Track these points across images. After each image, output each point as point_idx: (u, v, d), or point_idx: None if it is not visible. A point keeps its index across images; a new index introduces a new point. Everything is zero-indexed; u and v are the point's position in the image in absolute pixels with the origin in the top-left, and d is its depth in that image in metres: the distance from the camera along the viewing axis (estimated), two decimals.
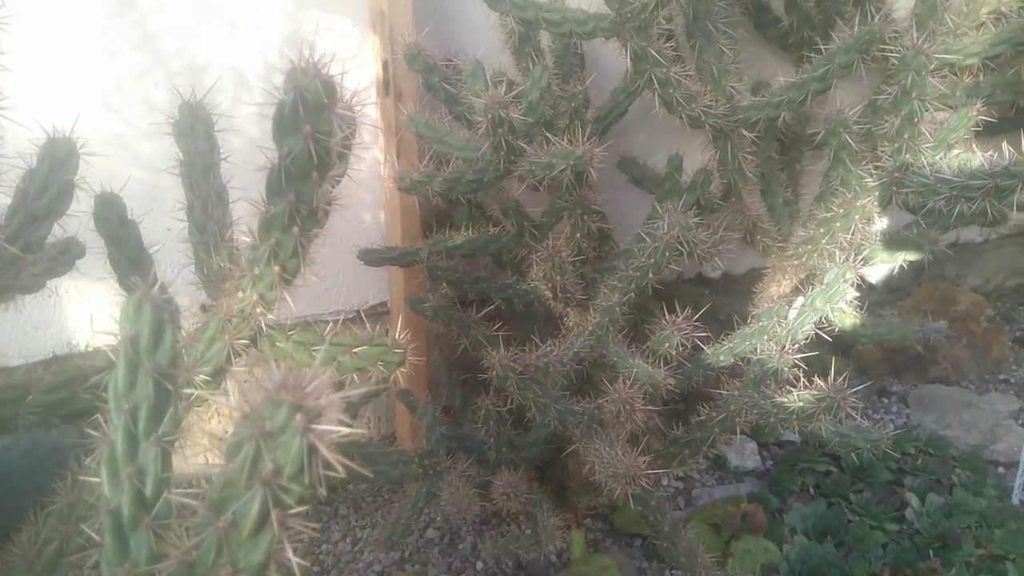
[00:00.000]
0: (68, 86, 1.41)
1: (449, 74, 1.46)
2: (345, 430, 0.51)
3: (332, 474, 0.55)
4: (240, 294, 0.87)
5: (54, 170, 0.90)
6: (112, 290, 1.06)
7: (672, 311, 1.32)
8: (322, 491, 0.54)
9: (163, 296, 0.64)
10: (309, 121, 0.69)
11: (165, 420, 0.62)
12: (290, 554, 0.54)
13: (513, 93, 1.28)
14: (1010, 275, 2.59)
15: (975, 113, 1.32)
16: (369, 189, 1.70)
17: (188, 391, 0.74)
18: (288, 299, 0.89)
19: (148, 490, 0.60)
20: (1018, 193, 1.14)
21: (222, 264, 0.95)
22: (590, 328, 1.37)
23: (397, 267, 1.66)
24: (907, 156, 1.33)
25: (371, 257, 1.52)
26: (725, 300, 1.89)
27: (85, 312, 1.56)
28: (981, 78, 1.52)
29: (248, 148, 1.24)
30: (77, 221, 1.01)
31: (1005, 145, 1.18)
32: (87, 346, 1.58)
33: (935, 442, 1.85)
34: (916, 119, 1.29)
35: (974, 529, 1.57)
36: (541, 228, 1.49)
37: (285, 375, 0.52)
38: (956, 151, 1.37)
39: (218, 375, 0.90)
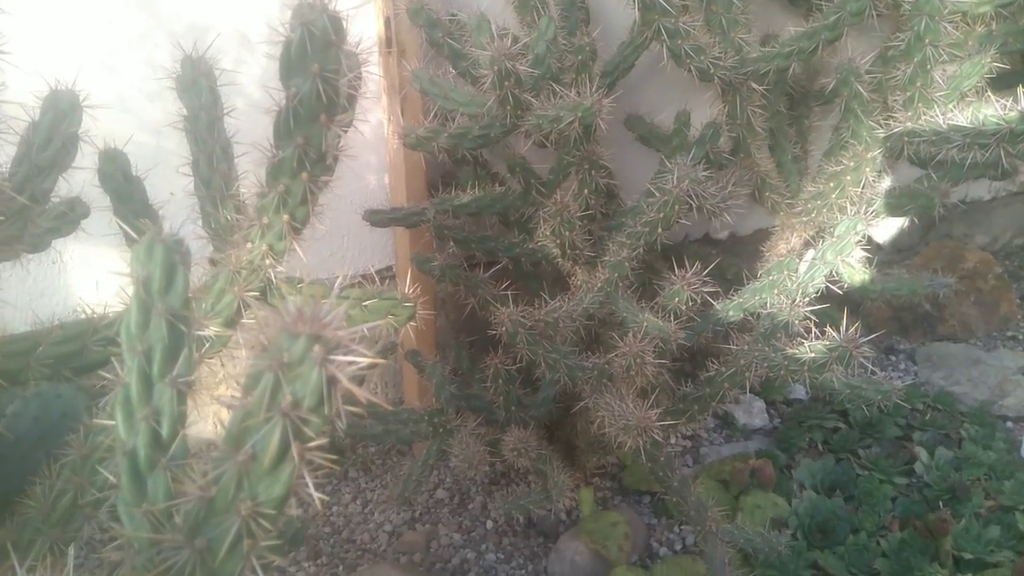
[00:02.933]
0: (69, 49, 1.39)
1: (453, 29, 1.44)
2: (364, 360, 0.50)
3: (352, 408, 0.55)
4: (249, 245, 0.87)
5: (57, 122, 0.89)
6: (117, 256, 1.05)
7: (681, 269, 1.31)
8: (341, 425, 0.54)
9: (174, 238, 0.63)
10: (317, 60, 0.68)
11: (180, 361, 0.61)
12: (311, 488, 0.54)
13: (518, 45, 1.26)
14: (1018, 233, 2.57)
15: (989, 60, 1.30)
16: (374, 151, 1.68)
17: (202, 333, 0.74)
18: (298, 249, 0.89)
19: (164, 431, 0.60)
20: None
21: (229, 217, 0.94)
22: (599, 284, 1.36)
23: (403, 229, 1.64)
24: (919, 105, 1.31)
25: (377, 218, 1.50)
26: (732, 260, 1.88)
27: (90, 278, 1.56)
28: (993, 26, 1.49)
29: (251, 109, 1.23)
30: (82, 178, 1.00)
31: (1020, 90, 1.16)
32: (93, 312, 1.58)
33: (943, 398, 1.85)
34: (929, 66, 1.27)
35: (983, 481, 1.57)
36: (548, 185, 1.48)
37: (301, 307, 0.51)
38: (969, 100, 1.36)
39: (228, 328, 0.90)
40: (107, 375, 0.64)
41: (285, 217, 0.81)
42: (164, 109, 1.15)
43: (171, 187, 1.11)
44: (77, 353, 0.83)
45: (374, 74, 1.53)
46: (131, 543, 0.59)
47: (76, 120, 0.91)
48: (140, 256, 0.62)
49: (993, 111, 1.18)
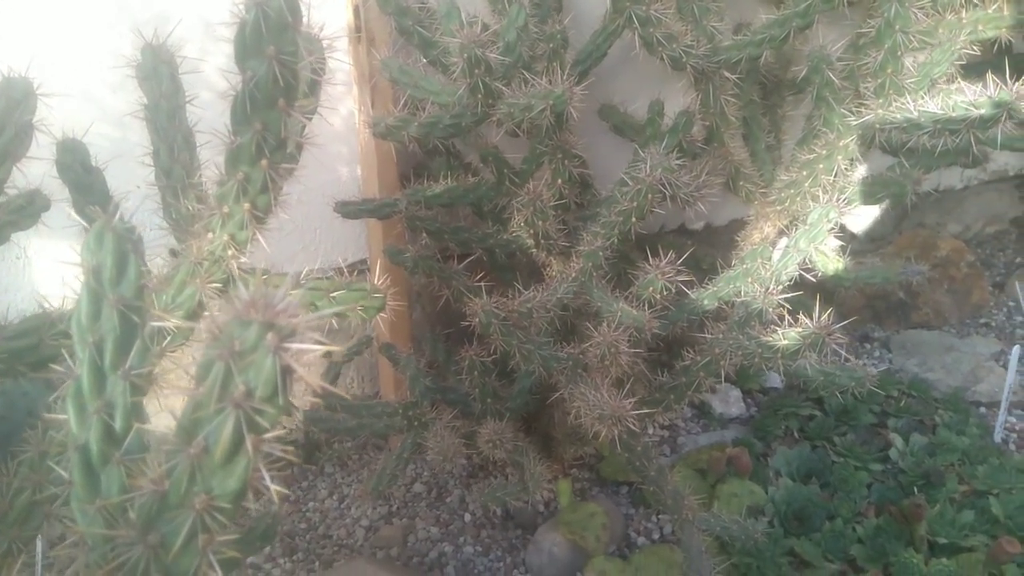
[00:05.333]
0: (27, 36, 1.35)
1: (422, 17, 1.42)
2: (320, 348, 0.49)
3: (311, 399, 0.53)
4: (210, 235, 0.85)
5: (10, 110, 0.86)
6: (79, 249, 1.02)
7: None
8: (298, 415, 0.52)
9: (125, 226, 0.61)
10: (273, 42, 0.66)
11: (132, 353, 0.59)
12: (268, 480, 0.52)
13: (488, 33, 1.24)
14: (989, 221, 2.60)
15: (959, 46, 1.30)
16: (344, 142, 1.65)
17: (158, 324, 0.71)
18: (262, 239, 0.87)
19: (117, 425, 0.58)
20: (1002, 124, 1.13)
21: (191, 207, 0.91)
22: (574, 274, 1.35)
23: (375, 221, 1.62)
24: (890, 92, 1.31)
25: (348, 209, 1.48)
26: (708, 250, 1.88)
27: (56, 273, 1.52)
28: (963, 14, 1.50)
29: (215, 98, 1.21)
30: (41, 169, 0.98)
31: (989, 75, 1.16)
32: (52, 306, 1.55)
33: (918, 385, 1.86)
34: (899, 53, 1.27)
35: (957, 466, 1.58)
36: (521, 175, 1.47)
37: (254, 294, 0.50)
38: (940, 87, 1.36)
39: (191, 320, 0.88)
40: (59, 368, 0.62)
41: (246, 206, 0.79)
42: (127, 99, 1.12)
43: (135, 178, 1.08)
44: (33, 348, 0.81)
45: (344, 63, 1.50)
46: (85, 540, 0.57)
47: (30, 108, 0.88)
48: (91, 245, 0.60)
49: (963, 97, 1.18)
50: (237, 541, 0.56)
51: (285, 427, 0.51)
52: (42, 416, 0.93)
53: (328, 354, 0.51)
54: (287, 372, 0.49)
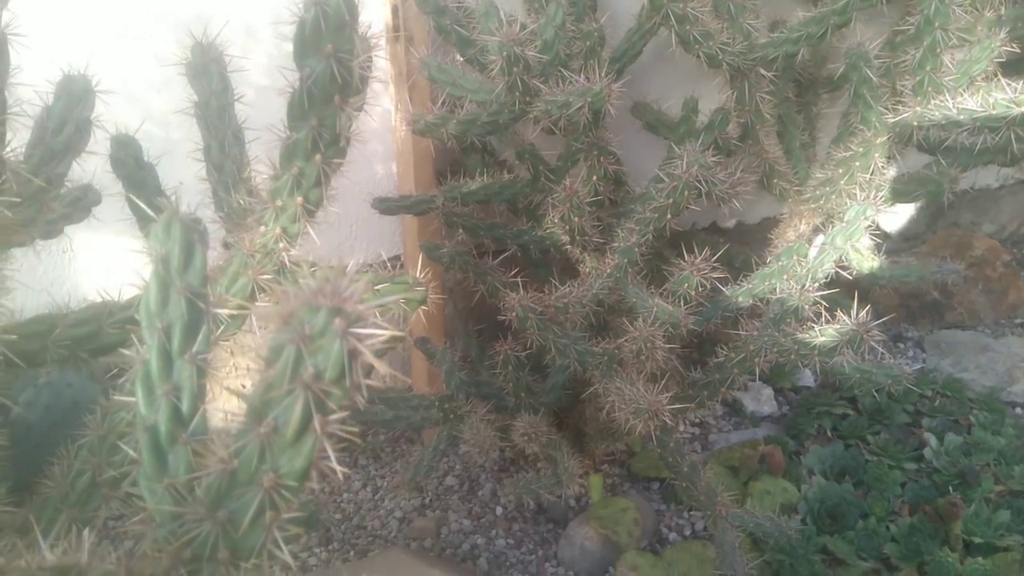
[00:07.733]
0: (71, 38, 1.39)
1: (460, 16, 1.44)
2: (385, 333, 0.51)
3: (372, 384, 0.55)
4: (262, 228, 0.87)
5: (71, 107, 0.89)
6: (127, 246, 1.05)
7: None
8: (362, 399, 0.54)
9: (192, 216, 0.64)
10: (331, 40, 0.68)
11: (199, 338, 0.62)
12: (333, 461, 0.54)
13: (527, 32, 1.26)
14: None
15: (998, 44, 1.29)
16: (381, 140, 1.68)
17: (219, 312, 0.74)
18: (312, 232, 0.89)
19: (185, 407, 0.61)
20: None
21: (242, 201, 0.94)
22: (608, 270, 1.37)
23: (411, 217, 1.65)
24: (929, 89, 1.31)
25: (386, 206, 1.51)
26: (740, 248, 1.88)
27: (101, 267, 1.56)
28: (1003, 11, 1.49)
29: (258, 98, 1.23)
30: (94, 164, 1.01)
31: None
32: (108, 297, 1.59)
33: (952, 384, 1.85)
34: (938, 50, 1.26)
35: (993, 466, 1.57)
36: (557, 172, 1.48)
37: (321, 281, 0.52)
38: (979, 85, 1.35)
39: (245, 310, 0.90)
40: (127, 352, 0.64)
41: (299, 199, 0.81)
42: (171, 98, 1.15)
43: (180, 176, 1.10)
44: (93, 335, 0.84)
45: (382, 59, 1.53)
46: (152, 516, 0.60)
47: (89, 105, 0.91)
48: (159, 234, 0.62)
49: (1003, 95, 1.18)
50: (293, 518, 0.58)
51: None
52: (88, 406, 0.96)
53: (392, 339, 0.53)
54: (354, 355, 0.50)
